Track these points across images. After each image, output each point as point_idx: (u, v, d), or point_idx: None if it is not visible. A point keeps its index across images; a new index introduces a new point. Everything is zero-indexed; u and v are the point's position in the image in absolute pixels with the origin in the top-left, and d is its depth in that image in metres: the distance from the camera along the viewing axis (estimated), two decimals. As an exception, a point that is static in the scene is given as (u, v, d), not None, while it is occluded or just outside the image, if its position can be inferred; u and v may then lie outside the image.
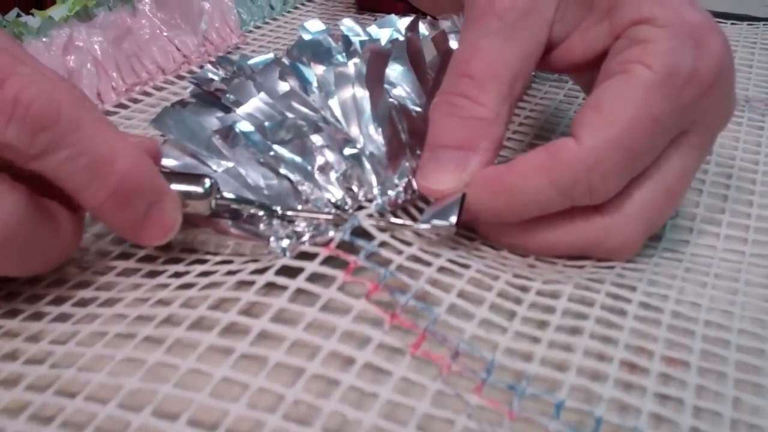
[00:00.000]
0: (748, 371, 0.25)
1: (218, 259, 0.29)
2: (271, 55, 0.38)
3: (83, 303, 0.27)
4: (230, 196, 0.29)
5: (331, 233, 0.28)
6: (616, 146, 0.27)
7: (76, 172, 0.25)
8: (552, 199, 0.28)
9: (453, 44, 0.39)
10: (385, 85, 0.35)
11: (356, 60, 0.36)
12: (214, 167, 0.32)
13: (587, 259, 0.30)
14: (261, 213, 0.29)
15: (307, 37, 0.41)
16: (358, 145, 0.32)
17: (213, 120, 0.34)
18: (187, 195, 0.28)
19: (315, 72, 0.35)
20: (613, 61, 0.29)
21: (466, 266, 0.28)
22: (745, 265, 0.31)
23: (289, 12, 0.56)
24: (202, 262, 0.29)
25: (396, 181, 0.32)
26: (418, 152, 0.33)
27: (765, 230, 0.33)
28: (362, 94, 0.34)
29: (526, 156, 0.29)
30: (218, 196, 0.29)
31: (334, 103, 0.34)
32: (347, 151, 0.32)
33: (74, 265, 0.29)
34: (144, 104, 0.43)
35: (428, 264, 0.27)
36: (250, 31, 0.52)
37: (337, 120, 0.34)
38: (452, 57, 0.31)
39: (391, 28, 0.41)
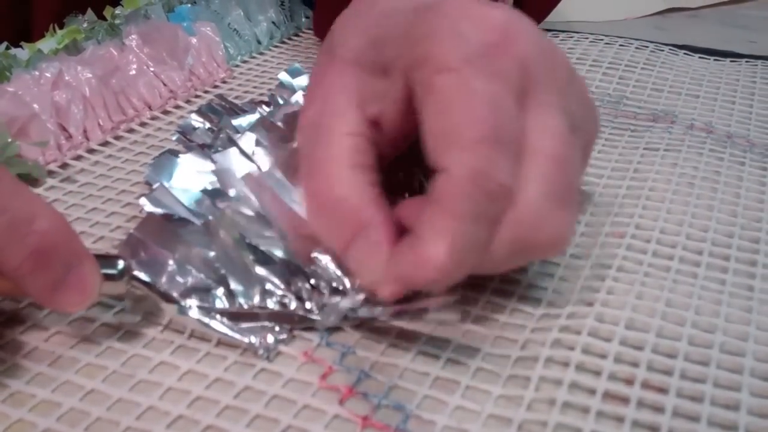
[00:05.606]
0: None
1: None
2: (256, 116, 0.39)
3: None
4: (145, 279, 0.29)
5: (310, 336, 0.29)
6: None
7: None
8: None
9: None
10: None
11: None
12: (199, 222, 0.32)
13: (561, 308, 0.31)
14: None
15: (286, 80, 0.43)
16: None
17: (210, 176, 0.34)
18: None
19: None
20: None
21: (445, 341, 0.29)
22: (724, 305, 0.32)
23: (276, 46, 0.56)
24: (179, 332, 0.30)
25: None
26: None
27: (745, 267, 0.34)
28: None
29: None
30: (131, 276, 0.28)
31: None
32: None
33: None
34: (128, 143, 0.44)
35: (406, 350, 0.29)
36: (237, 66, 0.53)
37: None
38: None
39: None
